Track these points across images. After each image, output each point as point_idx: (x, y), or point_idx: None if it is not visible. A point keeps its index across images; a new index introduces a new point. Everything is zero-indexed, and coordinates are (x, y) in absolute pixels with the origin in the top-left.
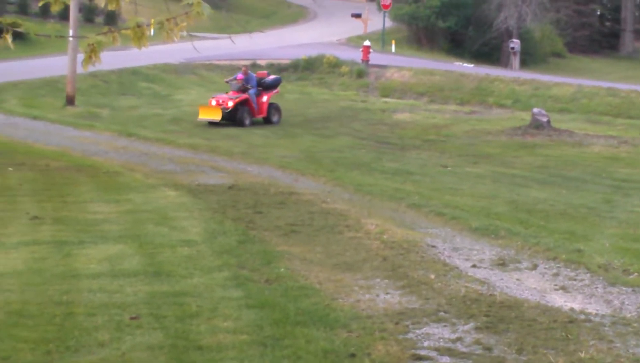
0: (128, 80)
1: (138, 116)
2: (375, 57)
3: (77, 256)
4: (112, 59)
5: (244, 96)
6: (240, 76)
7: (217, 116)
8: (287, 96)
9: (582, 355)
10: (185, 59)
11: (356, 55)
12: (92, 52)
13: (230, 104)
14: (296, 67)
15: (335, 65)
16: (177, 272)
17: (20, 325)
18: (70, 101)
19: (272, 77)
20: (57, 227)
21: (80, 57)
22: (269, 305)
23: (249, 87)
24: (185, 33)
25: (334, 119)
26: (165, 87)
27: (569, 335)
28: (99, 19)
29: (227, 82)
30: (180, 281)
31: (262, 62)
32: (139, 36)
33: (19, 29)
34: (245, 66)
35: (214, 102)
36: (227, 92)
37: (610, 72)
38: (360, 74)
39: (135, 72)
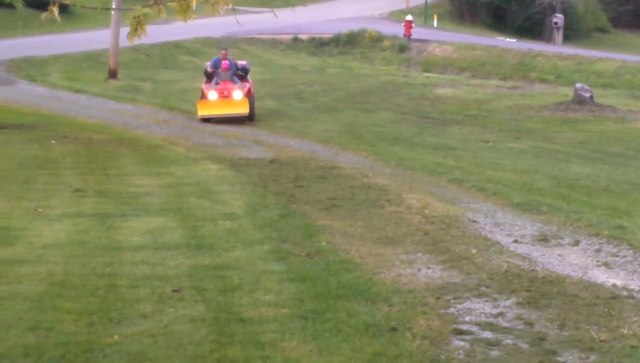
0: (170, 53)
1: (180, 90)
2: (417, 32)
3: (119, 228)
4: (154, 33)
5: (248, 85)
6: (225, 63)
7: (244, 109)
8: (329, 70)
9: (625, 331)
10: (227, 33)
11: (398, 29)
12: (138, 25)
13: (240, 95)
14: (338, 42)
15: (377, 39)
16: (218, 245)
17: (64, 296)
18: (112, 74)
19: (244, 62)
20: (100, 200)
21: (123, 30)
22: (310, 278)
23: (241, 73)
24: (229, 6)
25: (376, 93)
26: (207, 60)
27: (611, 311)
28: None
29: (210, 72)
30: (222, 254)
31: (304, 37)
32: (184, 9)
33: (66, 2)
34: (225, 49)
35: (213, 95)
36: (217, 83)
37: None
38: (402, 49)
39: (177, 46)
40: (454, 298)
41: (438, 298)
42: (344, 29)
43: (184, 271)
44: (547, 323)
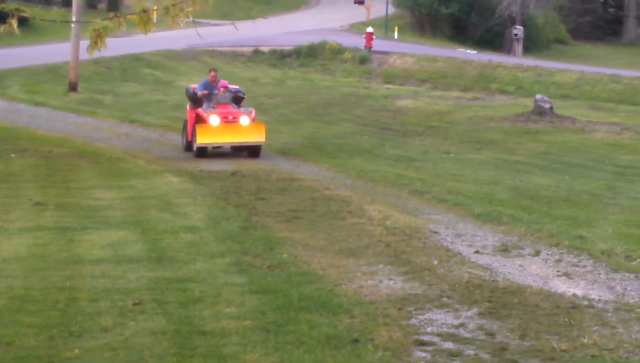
0: (131, 66)
1: (141, 103)
2: (378, 44)
3: (80, 242)
4: (115, 45)
5: (252, 109)
6: (224, 82)
7: (259, 137)
8: (290, 82)
9: (585, 340)
10: (188, 46)
11: (359, 41)
12: (98, 38)
13: (247, 120)
14: (299, 54)
15: (337, 51)
16: (180, 258)
17: (24, 310)
18: (72, 87)
19: (236, 86)
20: (60, 213)
21: (83, 43)
22: (272, 290)
23: (242, 95)
24: (190, 19)
25: (337, 105)
26: (168, 73)
27: (571, 321)
28: (102, 5)
29: (202, 95)
30: (183, 267)
31: (265, 49)
32: (144, 21)
33: (25, 14)
34: (215, 70)
35: (215, 120)
36: (212, 106)
37: (613, 58)
38: (363, 61)
39: (137, 59)
40: (415, 309)
41: (400, 309)
42: (305, 41)
43: (145, 284)
44: (509, 334)
